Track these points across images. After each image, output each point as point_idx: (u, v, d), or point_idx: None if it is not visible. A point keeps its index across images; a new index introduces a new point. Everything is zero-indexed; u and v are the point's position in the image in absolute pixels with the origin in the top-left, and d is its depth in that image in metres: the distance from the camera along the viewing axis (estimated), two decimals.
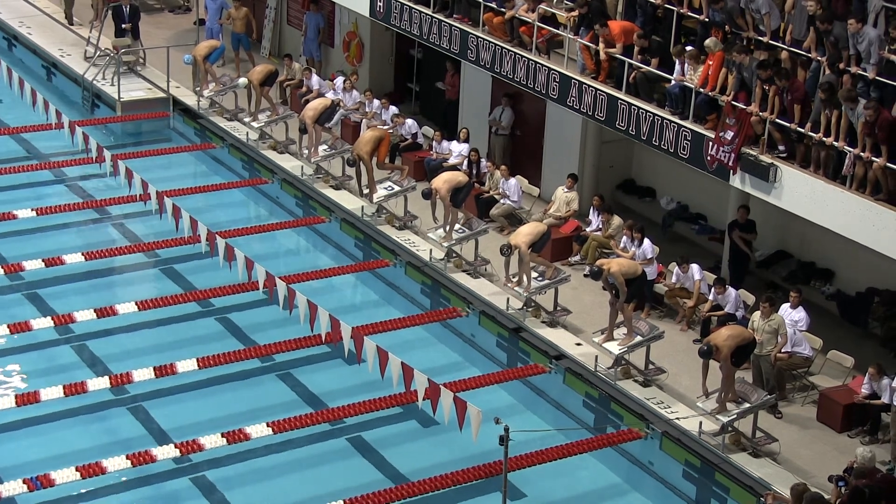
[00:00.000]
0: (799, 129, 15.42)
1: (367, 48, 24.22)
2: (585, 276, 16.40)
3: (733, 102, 16.07)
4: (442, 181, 18.37)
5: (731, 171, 16.06)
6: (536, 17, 19.19)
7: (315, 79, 23.26)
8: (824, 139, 15.08)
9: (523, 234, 16.89)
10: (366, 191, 19.85)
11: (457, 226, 18.45)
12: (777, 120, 15.68)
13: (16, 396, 15.26)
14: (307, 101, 21.72)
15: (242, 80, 22.76)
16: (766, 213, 17.41)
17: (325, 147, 21.21)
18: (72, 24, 27.22)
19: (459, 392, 14.79)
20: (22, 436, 15.26)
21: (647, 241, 17.39)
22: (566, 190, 19.28)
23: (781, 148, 15.74)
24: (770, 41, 16.18)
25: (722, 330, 14.86)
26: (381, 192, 19.82)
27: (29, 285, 18.61)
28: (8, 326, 16.70)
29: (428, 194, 18.48)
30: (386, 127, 21.58)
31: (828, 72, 15.28)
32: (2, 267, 18.48)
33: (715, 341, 14.52)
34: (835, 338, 16.16)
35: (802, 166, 15.47)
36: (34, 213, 20.02)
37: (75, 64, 25.30)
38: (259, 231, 20.07)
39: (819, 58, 15.61)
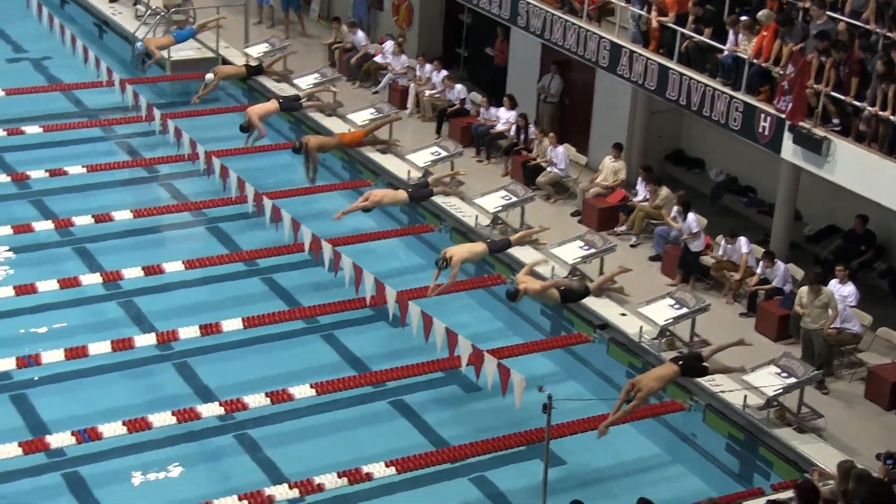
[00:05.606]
0: (854, 102, 15.19)
1: (417, 12, 24.11)
2: (632, 246, 16.13)
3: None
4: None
5: (790, 123, 15.55)
6: None
7: (360, 34, 23.28)
8: (880, 113, 14.85)
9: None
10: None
11: (503, 192, 18.40)
12: (832, 93, 15.45)
13: (65, 350, 15.45)
14: (354, 61, 21.64)
15: (209, 76, 22.12)
16: (817, 187, 17.19)
17: (372, 111, 21.30)
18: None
19: (503, 359, 14.79)
20: (70, 388, 15.48)
21: (691, 215, 17.21)
22: (613, 159, 19.14)
23: (836, 121, 15.51)
24: (828, 13, 15.92)
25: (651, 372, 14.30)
26: (427, 156, 19.82)
27: (78, 240, 18.81)
28: (58, 281, 16.87)
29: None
30: (435, 91, 21.59)
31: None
32: (53, 222, 18.70)
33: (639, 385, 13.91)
34: (885, 314, 15.97)
35: (857, 140, 15.25)
36: (84, 170, 20.19)
37: (126, 22, 25.39)
38: (305, 193, 20.11)
39: (878, 30, 15.33)
